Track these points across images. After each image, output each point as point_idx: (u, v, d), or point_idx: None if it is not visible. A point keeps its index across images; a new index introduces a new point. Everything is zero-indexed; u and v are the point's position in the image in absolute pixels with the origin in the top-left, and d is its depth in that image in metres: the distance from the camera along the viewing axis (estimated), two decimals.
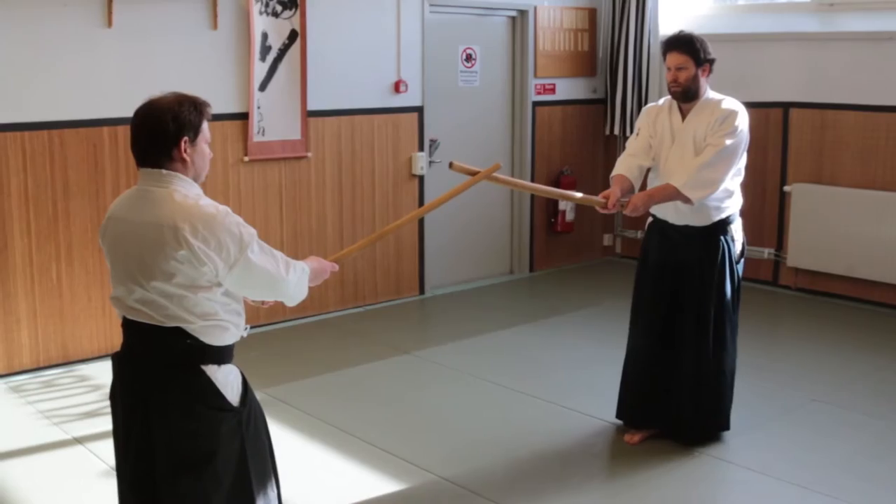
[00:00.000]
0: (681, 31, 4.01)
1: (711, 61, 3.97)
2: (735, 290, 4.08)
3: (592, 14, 7.52)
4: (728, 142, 3.85)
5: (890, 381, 4.98)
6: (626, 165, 4.14)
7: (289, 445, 4.16)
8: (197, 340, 2.51)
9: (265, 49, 5.64)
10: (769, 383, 4.96)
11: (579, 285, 7.12)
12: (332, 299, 6.18)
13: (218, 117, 5.51)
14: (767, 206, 6.90)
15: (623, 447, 4.17)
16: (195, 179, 2.54)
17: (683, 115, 3.99)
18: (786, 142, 6.76)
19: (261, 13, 5.57)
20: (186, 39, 5.36)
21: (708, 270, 3.98)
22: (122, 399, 2.62)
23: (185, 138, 2.48)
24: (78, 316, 5.14)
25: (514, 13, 7.11)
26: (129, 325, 2.57)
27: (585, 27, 7.49)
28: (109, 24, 5.07)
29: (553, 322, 6.13)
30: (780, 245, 6.85)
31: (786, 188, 6.74)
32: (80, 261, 5.12)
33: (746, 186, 6.83)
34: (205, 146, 2.56)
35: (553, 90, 7.35)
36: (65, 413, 4.51)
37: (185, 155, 2.48)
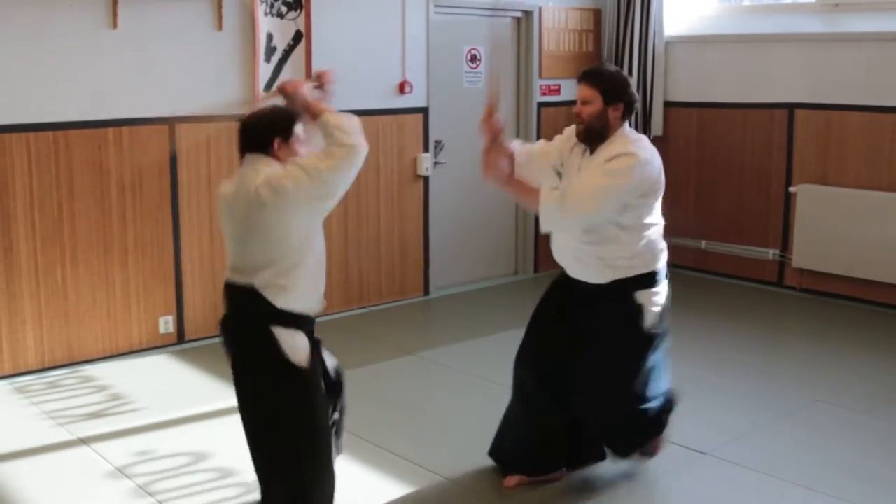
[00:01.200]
0: (601, 64, 3.80)
1: (628, 102, 3.50)
2: (644, 354, 3.57)
3: (597, 15, 7.51)
4: (605, 181, 3.38)
5: (895, 382, 4.97)
6: (528, 150, 3.78)
7: None
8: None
9: (270, 50, 5.64)
10: (773, 384, 4.95)
11: None
12: (337, 300, 6.17)
13: (222, 118, 5.55)
14: (772, 207, 6.89)
15: None
16: None
17: (592, 151, 3.57)
18: (791, 143, 6.74)
19: (266, 14, 5.57)
20: (191, 41, 5.37)
21: (601, 342, 3.54)
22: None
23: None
24: (83, 317, 5.15)
25: (518, 14, 7.11)
26: None
27: (590, 28, 7.48)
28: (115, 25, 5.07)
29: None
30: (784, 246, 6.84)
31: (791, 189, 6.73)
32: (86, 262, 5.12)
33: (751, 187, 6.95)
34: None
35: (558, 91, 7.35)
36: (70, 414, 4.51)
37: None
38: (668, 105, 7.40)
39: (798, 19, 6.81)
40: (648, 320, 3.52)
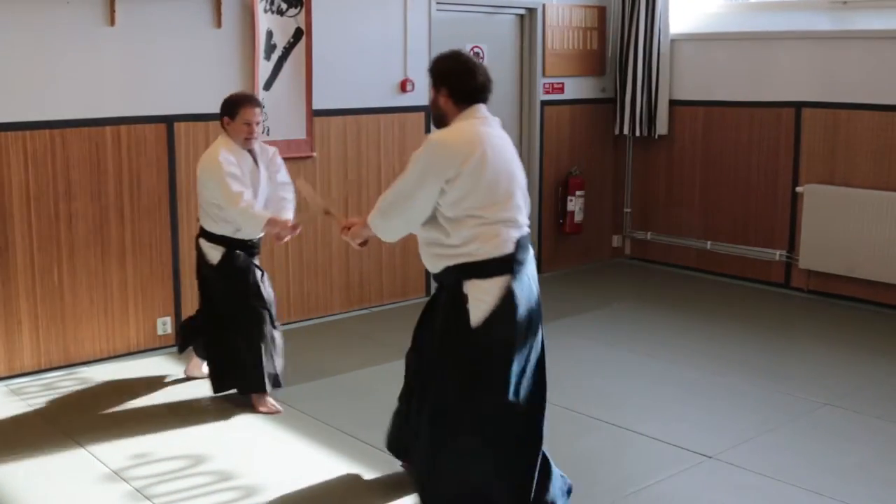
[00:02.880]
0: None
1: (450, 86, 3.42)
2: (461, 357, 3.29)
3: (602, 12, 7.45)
4: (398, 182, 3.38)
5: None
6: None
7: (293, 449, 4.12)
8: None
9: (270, 48, 5.59)
10: (780, 387, 4.89)
11: (588, 287, 7.05)
12: (338, 301, 6.13)
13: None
14: (779, 207, 6.83)
15: (633, 450, 4.11)
16: None
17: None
18: (798, 142, 6.68)
19: (265, 11, 5.52)
20: (190, 38, 5.32)
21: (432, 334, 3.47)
22: None
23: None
24: (80, 318, 5.10)
25: (522, 11, 7.05)
26: None
27: (595, 25, 7.42)
28: (112, 22, 5.02)
29: (561, 324, 6.06)
30: (791, 247, 6.78)
31: (798, 189, 6.66)
32: (83, 262, 5.07)
33: (758, 187, 6.89)
34: None
35: (562, 89, 7.29)
36: (66, 416, 4.47)
37: None
38: (674, 104, 7.34)
39: (806, 17, 6.75)
40: (474, 316, 3.22)
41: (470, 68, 3.43)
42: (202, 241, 4.55)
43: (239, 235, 4.48)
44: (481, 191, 3.23)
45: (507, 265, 3.23)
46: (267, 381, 4.48)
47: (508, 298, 3.21)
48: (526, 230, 3.35)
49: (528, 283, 3.29)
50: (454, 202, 3.23)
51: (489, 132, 3.35)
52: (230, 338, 4.51)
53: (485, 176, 3.23)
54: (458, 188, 3.21)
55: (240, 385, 4.57)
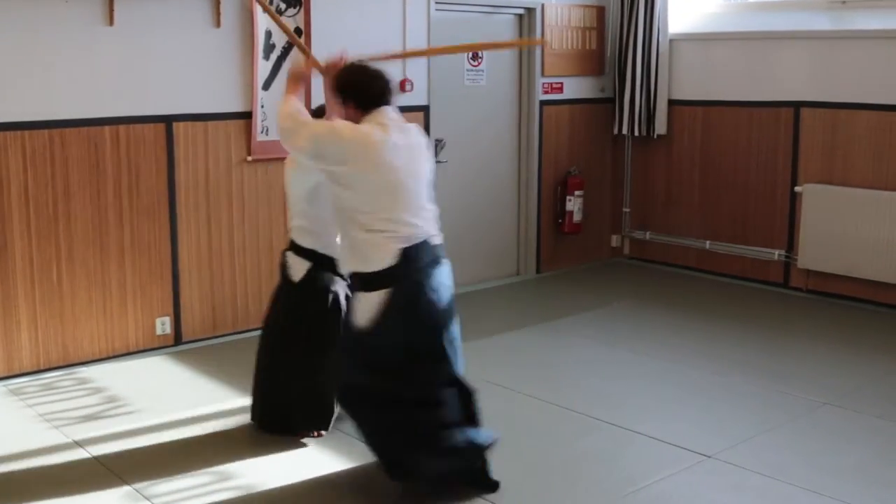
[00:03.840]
0: None
1: (353, 96, 3.63)
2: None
3: (601, 12, 7.45)
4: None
5: None
6: None
7: (293, 448, 4.11)
8: None
9: (269, 47, 5.58)
10: (779, 386, 4.88)
11: (587, 287, 7.05)
12: None
13: (221, 116, 5.50)
14: (778, 207, 6.83)
15: (632, 449, 4.11)
16: None
17: None
18: (797, 141, 6.68)
19: (264, 11, 5.51)
20: (189, 38, 5.31)
21: None
22: None
23: None
24: (78, 318, 5.09)
25: (521, 11, 7.05)
26: None
27: (594, 25, 7.42)
28: (111, 21, 5.01)
29: (560, 324, 6.07)
30: (790, 246, 6.78)
31: (797, 188, 6.66)
32: (81, 262, 5.06)
33: (757, 187, 6.89)
34: None
35: (561, 89, 7.29)
36: (65, 416, 4.46)
37: None
38: (673, 103, 7.34)
39: (804, 16, 6.75)
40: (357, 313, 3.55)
41: (368, 77, 3.61)
42: (289, 255, 4.12)
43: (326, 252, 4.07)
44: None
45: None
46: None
47: None
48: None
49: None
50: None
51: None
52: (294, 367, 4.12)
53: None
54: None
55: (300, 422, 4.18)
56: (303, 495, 3.69)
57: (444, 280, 3.55)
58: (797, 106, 6.65)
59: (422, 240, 3.49)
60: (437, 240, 3.58)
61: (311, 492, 3.73)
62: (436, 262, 3.52)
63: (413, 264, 3.42)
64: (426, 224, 3.54)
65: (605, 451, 4.15)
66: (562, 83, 7.30)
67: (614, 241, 7.87)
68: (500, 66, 7.02)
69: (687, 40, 7.27)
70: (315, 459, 4.03)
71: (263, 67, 5.58)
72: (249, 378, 4.35)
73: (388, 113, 3.58)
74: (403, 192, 3.47)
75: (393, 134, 3.49)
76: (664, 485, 3.79)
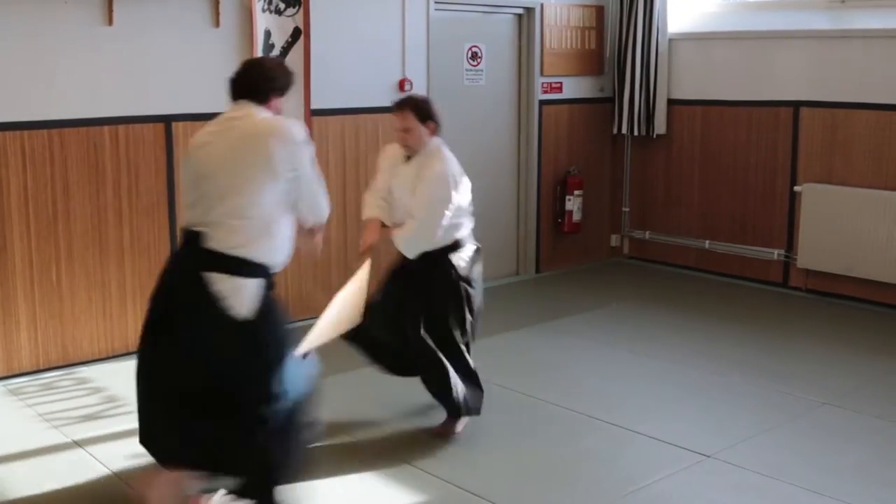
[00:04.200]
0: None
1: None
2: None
3: (600, 12, 7.45)
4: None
5: None
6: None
7: None
8: None
9: (268, 47, 5.58)
10: (778, 386, 4.88)
11: (586, 286, 7.05)
12: None
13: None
14: (777, 207, 6.83)
15: (632, 449, 4.11)
16: None
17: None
18: (796, 141, 6.68)
19: (263, 11, 5.51)
20: (188, 37, 5.31)
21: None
22: None
23: None
24: (78, 318, 5.09)
25: (520, 11, 7.04)
26: None
27: (593, 25, 7.42)
28: (110, 21, 5.01)
29: (560, 324, 6.07)
30: (789, 246, 6.78)
31: (796, 188, 6.66)
32: (81, 262, 5.06)
33: (756, 187, 6.89)
34: None
35: (560, 89, 7.29)
36: (64, 416, 4.46)
37: None
38: (672, 103, 7.34)
39: (804, 16, 6.75)
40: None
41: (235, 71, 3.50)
42: (454, 255, 4.19)
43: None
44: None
45: None
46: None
47: None
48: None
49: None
50: None
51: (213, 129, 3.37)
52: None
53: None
54: None
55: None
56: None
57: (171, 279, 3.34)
58: (796, 105, 6.65)
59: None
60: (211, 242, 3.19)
61: (321, 495, 3.73)
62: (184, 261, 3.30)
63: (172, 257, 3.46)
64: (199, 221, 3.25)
65: (605, 450, 4.15)
66: (561, 83, 7.30)
67: (614, 240, 7.87)
68: (499, 66, 7.02)
69: (686, 40, 7.27)
70: (316, 457, 4.02)
71: None
72: None
73: (238, 107, 3.41)
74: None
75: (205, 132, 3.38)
76: (664, 484, 3.79)
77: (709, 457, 4.02)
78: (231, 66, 5.45)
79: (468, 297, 4.24)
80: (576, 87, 7.42)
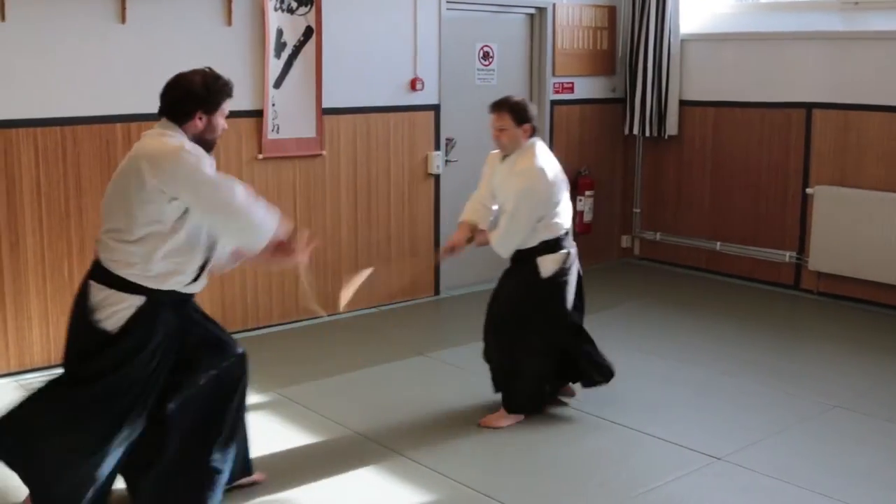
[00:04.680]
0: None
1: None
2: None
3: (612, 12, 7.43)
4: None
5: None
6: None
7: (301, 447, 4.12)
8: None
9: (280, 46, 5.59)
10: (789, 389, 4.87)
11: (597, 287, 7.00)
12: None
13: (232, 114, 5.46)
14: (789, 209, 6.81)
15: (641, 451, 4.10)
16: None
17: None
18: (808, 143, 6.66)
19: (276, 9, 5.52)
20: (200, 35, 5.32)
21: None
22: None
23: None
24: None
25: (532, 10, 7.04)
26: None
27: (605, 25, 7.41)
28: (123, 19, 5.03)
29: None
30: (801, 248, 6.75)
31: (808, 190, 6.64)
32: (93, 258, 5.06)
33: (768, 189, 6.87)
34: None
35: (572, 89, 7.28)
36: None
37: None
38: (684, 104, 7.32)
39: (817, 17, 6.72)
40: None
41: None
42: (542, 259, 4.31)
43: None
44: None
45: None
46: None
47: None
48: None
49: None
50: None
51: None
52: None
53: None
54: None
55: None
56: (313, 492, 3.69)
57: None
58: (809, 107, 6.63)
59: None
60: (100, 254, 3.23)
61: (320, 488, 3.73)
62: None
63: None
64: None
65: (614, 451, 4.14)
66: (573, 83, 7.29)
67: (625, 241, 7.86)
68: (511, 66, 7.01)
69: (698, 40, 7.25)
70: (322, 456, 4.03)
71: (275, 65, 5.58)
72: (258, 375, 4.34)
73: (158, 126, 3.34)
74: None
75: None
76: (673, 487, 3.78)
77: (719, 459, 4.01)
78: (243, 65, 5.52)
79: (551, 298, 4.34)
80: (587, 87, 7.40)
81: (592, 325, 6.02)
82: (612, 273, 7.47)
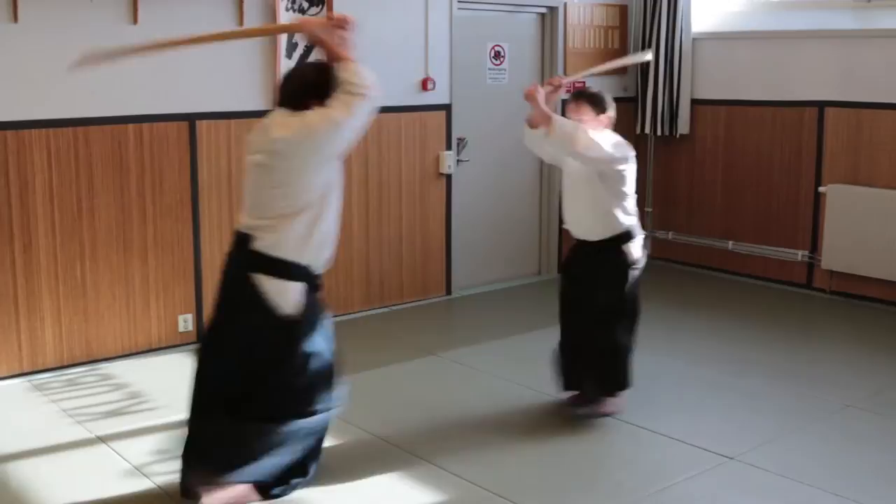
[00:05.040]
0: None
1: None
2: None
3: (623, 11, 7.42)
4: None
5: None
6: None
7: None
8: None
9: (291, 46, 5.60)
10: (803, 388, 4.86)
11: None
12: (357, 299, 6.14)
13: (243, 115, 5.52)
14: (801, 207, 6.79)
15: (653, 453, 4.11)
16: None
17: None
18: (821, 142, 6.64)
19: (287, 10, 5.54)
20: None
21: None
22: None
23: None
24: (102, 314, 5.13)
25: (543, 10, 7.04)
26: None
27: (616, 24, 7.40)
28: (135, 20, 5.05)
29: None
30: (814, 247, 6.73)
31: (821, 189, 6.62)
32: (105, 259, 5.10)
33: (780, 187, 6.85)
34: None
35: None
36: (88, 412, 4.50)
37: None
38: (696, 103, 7.31)
39: (829, 15, 6.70)
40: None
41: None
42: (628, 245, 4.42)
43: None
44: None
45: None
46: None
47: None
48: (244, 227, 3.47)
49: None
50: None
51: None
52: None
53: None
54: None
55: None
56: (325, 492, 3.70)
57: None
58: (821, 106, 6.61)
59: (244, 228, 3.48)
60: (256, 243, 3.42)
61: (333, 488, 3.74)
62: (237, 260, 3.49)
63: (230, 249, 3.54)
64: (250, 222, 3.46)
65: (627, 451, 4.15)
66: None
67: None
68: (522, 65, 7.02)
69: (710, 39, 7.24)
70: (335, 457, 4.04)
71: (286, 66, 5.58)
72: None
73: (270, 114, 3.52)
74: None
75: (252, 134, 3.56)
76: (686, 486, 3.77)
77: (731, 459, 4.00)
78: (255, 65, 5.54)
79: (637, 281, 4.50)
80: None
81: None
82: None
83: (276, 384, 3.46)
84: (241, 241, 3.44)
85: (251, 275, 3.39)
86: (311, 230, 3.42)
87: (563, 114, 4.71)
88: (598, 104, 4.41)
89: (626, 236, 4.40)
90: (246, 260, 3.41)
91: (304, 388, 3.50)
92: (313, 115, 3.31)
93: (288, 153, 3.33)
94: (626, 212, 4.37)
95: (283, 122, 3.36)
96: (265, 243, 3.38)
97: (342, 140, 3.39)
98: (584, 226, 4.45)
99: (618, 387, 4.48)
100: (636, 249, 4.45)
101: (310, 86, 3.43)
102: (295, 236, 3.39)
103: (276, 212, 3.38)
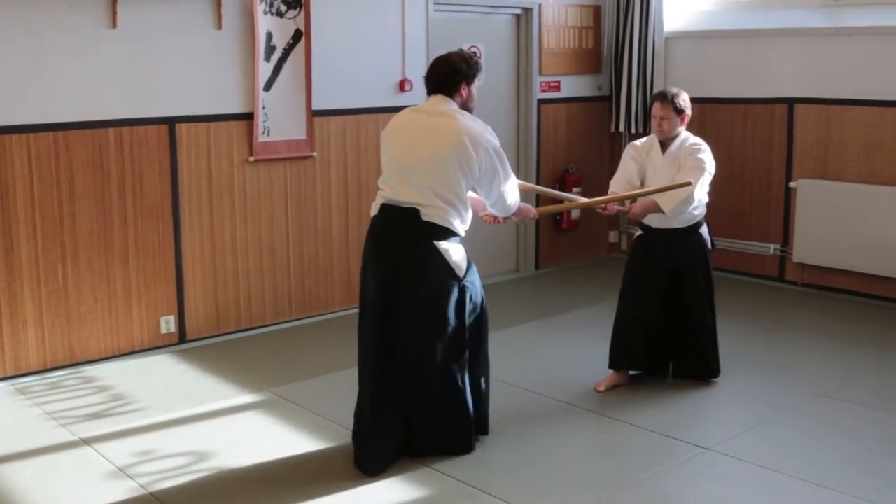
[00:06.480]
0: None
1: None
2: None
3: (597, 11, 7.51)
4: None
5: None
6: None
7: (297, 445, 4.17)
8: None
9: (270, 49, 5.63)
10: (776, 379, 4.94)
11: (585, 283, 7.10)
12: (338, 298, 6.17)
13: (222, 118, 5.55)
14: (773, 202, 6.89)
15: (630, 445, 4.17)
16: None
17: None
18: (791, 137, 6.74)
19: (265, 13, 5.57)
20: (191, 40, 5.36)
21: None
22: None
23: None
24: (84, 317, 5.15)
25: (518, 11, 7.10)
26: None
27: (590, 24, 7.48)
28: (114, 24, 5.06)
29: (559, 320, 6.13)
30: (785, 241, 6.84)
31: (791, 184, 6.73)
32: (87, 262, 5.12)
33: (752, 183, 6.95)
34: None
35: (558, 88, 7.34)
36: (72, 414, 4.51)
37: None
38: None
39: (798, 14, 6.80)
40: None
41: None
42: (704, 230, 4.90)
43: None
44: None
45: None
46: None
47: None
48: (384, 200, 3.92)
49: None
50: None
51: (409, 117, 3.99)
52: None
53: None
54: None
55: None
56: (310, 490, 3.74)
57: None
58: (791, 102, 6.72)
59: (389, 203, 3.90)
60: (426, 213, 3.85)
61: (316, 485, 3.78)
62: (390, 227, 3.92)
63: (373, 221, 4.00)
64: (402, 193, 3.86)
65: (603, 443, 4.21)
66: (559, 81, 7.36)
67: (612, 237, 7.94)
68: (498, 66, 7.08)
69: (682, 38, 7.32)
70: (318, 455, 4.08)
71: (264, 69, 5.63)
72: (252, 374, 4.37)
73: (427, 101, 3.97)
74: (389, 167, 3.94)
75: (398, 120, 3.98)
76: (662, 477, 3.84)
77: (707, 449, 4.07)
78: (233, 68, 5.57)
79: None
80: (574, 85, 7.47)
81: (583, 319, 6.12)
82: (600, 269, 7.53)
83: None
84: (409, 214, 3.82)
85: (432, 242, 3.84)
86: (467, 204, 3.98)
87: (649, 113, 5.07)
88: (679, 105, 4.70)
89: (700, 224, 4.85)
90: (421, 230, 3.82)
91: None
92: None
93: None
94: (702, 203, 4.73)
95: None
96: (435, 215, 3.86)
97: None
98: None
99: (717, 371, 4.89)
100: (707, 234, 4.91)
101: (459, 70, 3.86)
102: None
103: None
